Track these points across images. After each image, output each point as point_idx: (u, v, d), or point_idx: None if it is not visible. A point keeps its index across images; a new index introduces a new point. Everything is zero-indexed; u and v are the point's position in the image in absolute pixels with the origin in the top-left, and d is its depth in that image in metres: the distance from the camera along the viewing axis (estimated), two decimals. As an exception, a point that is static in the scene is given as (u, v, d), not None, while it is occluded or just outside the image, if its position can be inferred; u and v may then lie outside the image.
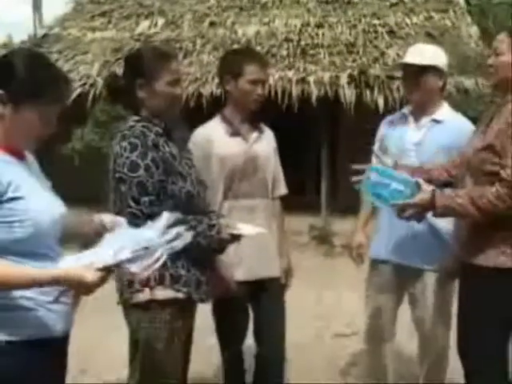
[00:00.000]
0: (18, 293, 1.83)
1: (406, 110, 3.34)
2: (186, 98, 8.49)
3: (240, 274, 2.98)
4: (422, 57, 3.14)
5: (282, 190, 3.27)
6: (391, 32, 10.32)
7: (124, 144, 2.43)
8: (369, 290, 3.39)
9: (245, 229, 2.60)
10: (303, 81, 9.27)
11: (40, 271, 1.79)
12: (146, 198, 2.40)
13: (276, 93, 8.94)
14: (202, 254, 2.54)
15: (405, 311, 3.37)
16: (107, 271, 1.80)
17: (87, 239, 2.00)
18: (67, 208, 2.05)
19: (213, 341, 3.25)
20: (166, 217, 1.95)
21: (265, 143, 3.15)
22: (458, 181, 2.86)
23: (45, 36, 11.43)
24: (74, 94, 8.71)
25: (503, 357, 2.72)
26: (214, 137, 3.03)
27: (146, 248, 1.83)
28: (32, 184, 1.91)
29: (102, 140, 8.70)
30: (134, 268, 1.81)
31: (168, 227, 1.91)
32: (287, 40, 10.22)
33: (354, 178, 2.82)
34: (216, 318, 3.17)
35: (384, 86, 9.00)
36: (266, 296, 3.12)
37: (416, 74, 3.13)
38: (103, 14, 11.80)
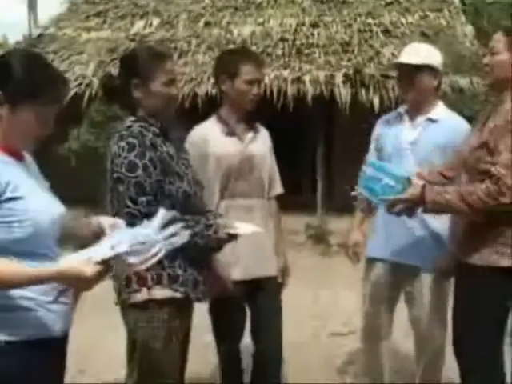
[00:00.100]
0: (17, 293, 1.83)
1: (401, 109, 3.35)
2: (181, 98, 8.49)
3: (237, 273, 2.99)
4: (417, 56, 3.15)
5: (278, 189, 3.28)
6: (386, 31, 10.35)
7: (122, 144, 2.43)
8: (365, 289, 3.40)
9: (241, 228, 2.61)
10: (298, 80, 9.28)
11: (39, 268, 1.79)
12: (143, 198, 2.41)
13: (271, 92, 8.95)
14: (199, 254, 2.54)
15: (401, 310, 3.38)
16: (106, 265, 1.79)
17: (85, 241, 2.00)
18: (64, 208, 2.05)
19: (209, 338, 3.26)
20: (162, 213, 1.95)
21: (260, 143, 3.15)
22: (455, 183, 2.87)
23: (40, 36, 11.42)
24: (70, 95, 8.69)
25: (498, 356, 2.72)
26: (210, 136, 3.03)
27: (144, 243, 1.84)
28: (31, 184, 1.91)
29: (98, 140, 8.70)
30: (132, 260, 1.81)
31: (165, 225, 1.92)
32: (282, 39, 10.23)
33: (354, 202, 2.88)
34: (213, 318, 3.17)
35: (379, 85, 9.02)
36: (262, 295, 3.12)
37: (411, 73, 3.14)
38: (98, 14, 11.79)
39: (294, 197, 7.69)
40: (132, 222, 2.23)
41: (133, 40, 10.69)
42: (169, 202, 2.44)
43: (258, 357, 3.20)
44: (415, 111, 3.24)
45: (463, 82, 8.87)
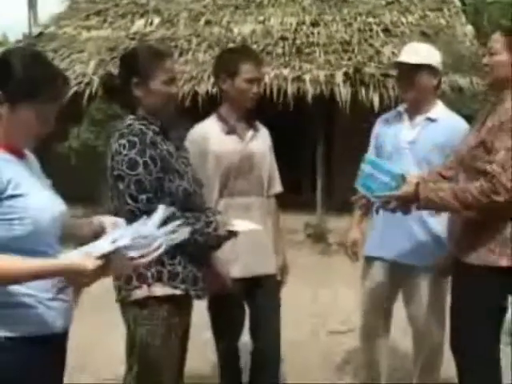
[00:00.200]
0: (18, 290, 1.83)
1: (401, 108, 3.35)
2: (181, 96, 8.50)
3: (236, 270, 3.00)
4: (417, 56, 3.15)
5: (278, 188, 3.29)
6: (386, 30, 10.35)
7: (122, 142, 2.44)
8: (363, 288, 3.41)
9: (240, 225, 2.62)
10: (299, 79, 9.28)
11: (41, 263, 1.78)
12: (143, 196, 2.41)
13: (271, 91, 8.95)
14: (198, 251, 2.55)
15: (399, 308, 3.39)
16: (107, 260, 1.77)
17: (86, 241, 2.00)
18: (65, 206, 2.05)
19: (208, 335, 3.27)
20: (161, 209, 1.96)
21: (260, 141, 3.16)
22: (454, 183, 2.87)
23: (40, 35, 11.39)
24: (70, 93, 8.69)
25: (494, 355, 2.73)
26: (210, 135, 3.04)
27: (145, 237, 1.84)
28: (32, 182, 1.92)
29: (98, 138, 8.69)
30: (132, 253, 1.81)
31: (165, 221, 1.92)
32: (283, 38, 10.23)
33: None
34: (212, 315, 3.18)
35: (379, 84, 9.02)
36: (261, 293, 3.13)
37: (410, 72, 3.15)
38: (98, 13, 11.79)
39: (294, 196, 7.71)
40: (132, 219, 2.23)
41: (133, 39, 10.68)
42: (169, 199, 2.45)
43: (257, 355, 3.21)
44: (414, 110, 3.24)
45: (463, 81, 8.87)
